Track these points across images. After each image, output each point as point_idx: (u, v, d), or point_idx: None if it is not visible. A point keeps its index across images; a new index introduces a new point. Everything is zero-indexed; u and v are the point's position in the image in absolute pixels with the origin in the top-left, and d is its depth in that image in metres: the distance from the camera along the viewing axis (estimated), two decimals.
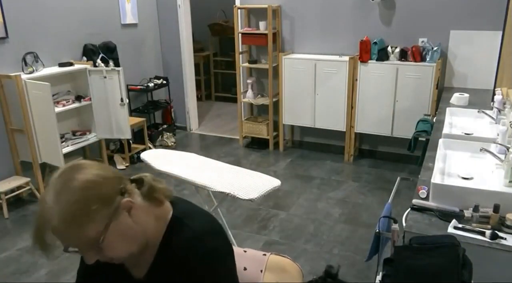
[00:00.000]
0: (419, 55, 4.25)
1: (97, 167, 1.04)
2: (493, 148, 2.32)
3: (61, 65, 4.32)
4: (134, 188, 1.11)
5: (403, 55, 4.32)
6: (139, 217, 1.09)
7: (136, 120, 5.11)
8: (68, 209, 0.96)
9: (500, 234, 1.68)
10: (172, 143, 5.55)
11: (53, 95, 4.05)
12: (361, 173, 4.63)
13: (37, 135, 4.00)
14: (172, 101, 5.96)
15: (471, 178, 2.12)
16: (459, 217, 1.83)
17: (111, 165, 4.88)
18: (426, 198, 1.99)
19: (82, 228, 0.98)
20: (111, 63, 4.66)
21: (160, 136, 5.60)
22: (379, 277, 2.20)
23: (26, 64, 4.04)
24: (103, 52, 4.80)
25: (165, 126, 5.85)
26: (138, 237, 1.10)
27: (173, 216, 1.17)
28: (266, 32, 4.89)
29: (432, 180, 1.97)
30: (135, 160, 5.01)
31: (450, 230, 1.74)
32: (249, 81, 5.28)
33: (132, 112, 5.44)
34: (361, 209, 3.84)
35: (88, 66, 4.43)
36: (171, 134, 5.71)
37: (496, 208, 1.75)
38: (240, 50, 5.26)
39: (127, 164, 4.94)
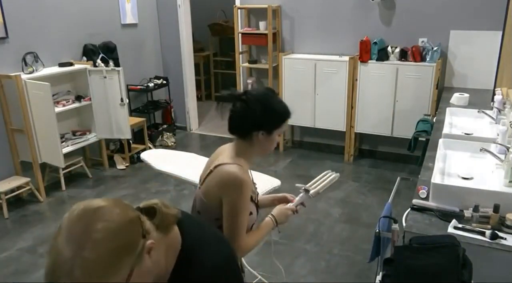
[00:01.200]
0: (419, 55, 4.25)
1: (117, 208, 0.94)
2: (493, 148, 2.32)
3: (61, 65, 4.32)
4: (149, 223, 1.02)
5: (403, 55, 4.32)
6: (156, 255, 1.00)
7: (136, 120, 5.11)
8: (93, 263, 0.87)
9: (500, 234, 1.68)
10: (172, 143, 5.55)
11: (53, 95, 4.05)
12: (361, 173, 4.63)
13: (37, 135, 4.00)
14: (172, 101, 5.95)
15: (471, 178, 2.12)
16: (459, 217, 1.83)
17: (111, 166, 4.88)
18: (426, 198, 1.99)
19: (106, 280, 0.89)
20: (111, 63, 4.66)
21: (160, 136, 5.59)
22: (379, 277, 2.20)
23: (26, 64, 4.04)
24: (103, 52, 4.79)
25: (165, 126, 5.85)
26: (153, 274, 1.02)
27: (184, 247, 1.09)
28: (266, 32, 4.89)
29: (432, 180, 1.97)
30: (135, 160, 5.01)
31: (450, 230, 1.74)
32: (249, 81, 5.28)
33: (132, 112, 5.44)
34: (361, 209, 3.84)
35: (88, 66, 4.43)
36: (171, 134, 5.71)
37: (496, 208, 1.75)
38: (240, 50, 5.26)
39: (127, 164, 4.94)
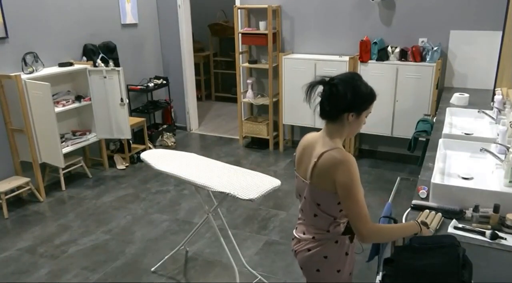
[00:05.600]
0: (419, 55, 4.25)
1: None
2: (493, 148, 2.32)
3: (61, 65, 4.32)
4: None
5: (403, 55, 4.32)
6: None
7: (136, 120, 5.11)
8: None
9: (500, 234, 1.68)
10: (172, 143, 5.55)
11: (53, 95, 4.05)
12: (361, 173, 4.58)
13: (37, 135, 4.00)
14: (172, 101, 5.95)
15: (471, 178, 2.12)
16: (459, 217, 1.83)
17: (111, 166, 4.88)
18: (426, 198, 1.99)
19: None
20: (111, 63, 4.66)
21: (160, 136, 5.59)
22: (379, 277, 2.20)
23: (26, 64, 4.04)
24: (103, 52, 4.79)
25: (165, 126, 5.85)
26: None
27: None
28: (266, 32, 4.89)
29: (432, 180, 1.97)
30: (135, 160, 5.01)
31: (450, 230, 1.74)
32: (249, 81, 5.28)
33: (132, 112, 5.44)
34: None
35: (88, 66, 4.43)
36: (171, 134, 5.71)
37: (496, 208, 1.75)
38: (240, 50, 5.26)
39: (127, 164, 4.94)
